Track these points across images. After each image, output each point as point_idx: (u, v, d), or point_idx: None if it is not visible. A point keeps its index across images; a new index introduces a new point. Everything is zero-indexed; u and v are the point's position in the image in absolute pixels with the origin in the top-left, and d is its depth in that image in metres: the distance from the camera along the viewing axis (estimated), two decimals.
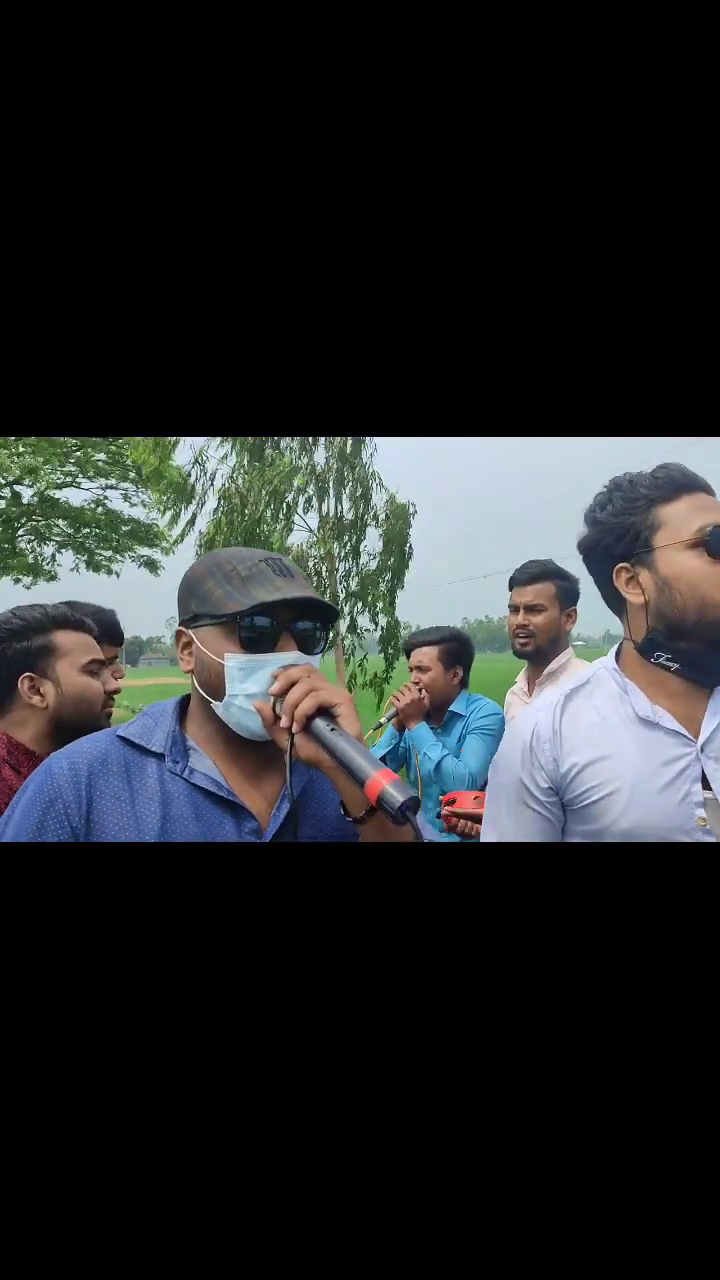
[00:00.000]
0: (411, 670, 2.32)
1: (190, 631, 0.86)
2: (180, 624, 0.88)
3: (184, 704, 0.92)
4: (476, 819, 1.65)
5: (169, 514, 11.55)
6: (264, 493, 10.68)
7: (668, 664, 0.95)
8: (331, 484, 11.22)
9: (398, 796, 0.67)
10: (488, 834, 1.05)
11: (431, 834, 0.84)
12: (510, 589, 2.13)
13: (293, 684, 0.77)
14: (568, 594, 2.06)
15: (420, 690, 2.26)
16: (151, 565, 15.51)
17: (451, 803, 1.70)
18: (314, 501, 11.21)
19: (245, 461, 11.07)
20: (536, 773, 0.98)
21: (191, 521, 11.32)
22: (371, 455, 11.29)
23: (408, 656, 2.38)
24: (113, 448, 13.75)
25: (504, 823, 1.02)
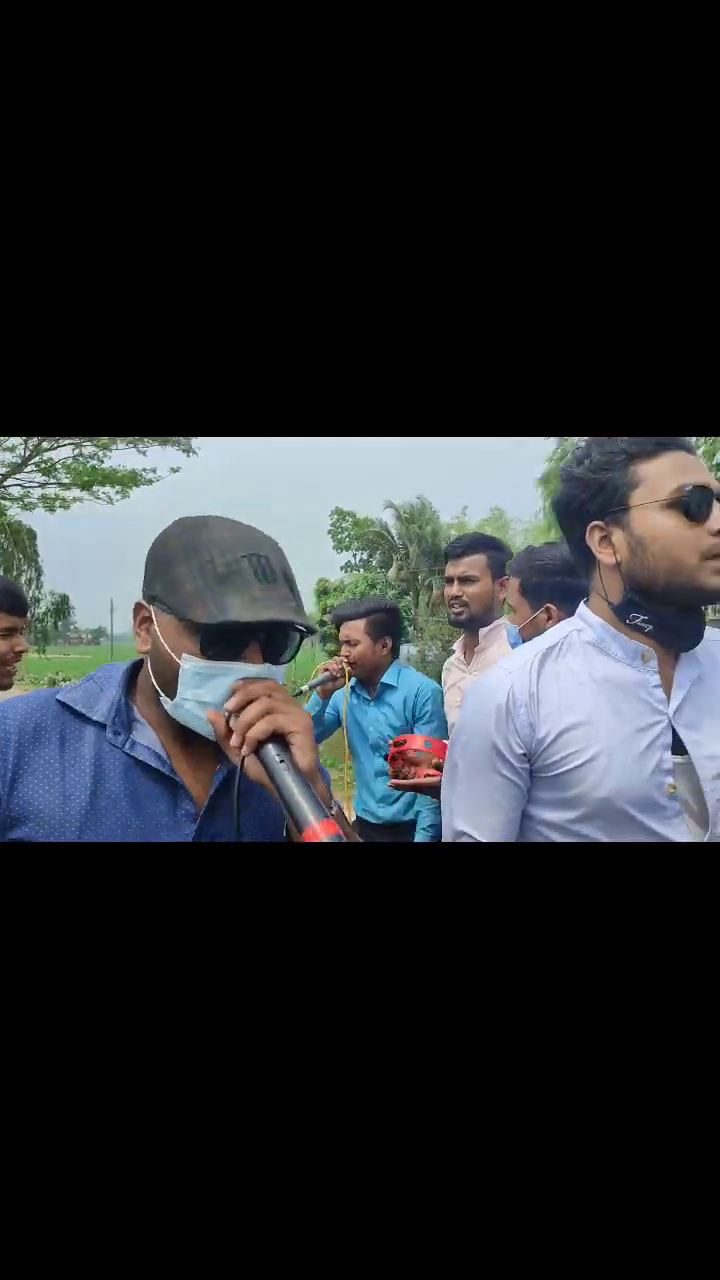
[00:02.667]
0: (342, 644, 2.28)
1: (150, 609, 0.77)
2: (143, 596, 0.78)
3: (133, 671, 0.84)
4: (424, 789, 1.64)
5: None
6: None
7: (642, 625, 0.94)
8: None
9: None
10: (451, 800, 1.02)
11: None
12: (446, 561, 2.11)
13: (250, 702, 0.70)
14: (499, 564, 2.07)
15: (346, 662, 2.22)
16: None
17: (401, 742, 1.68)
18: None
19: None
20: (511, 737, 0.94)
21: None
22: None
23: (337, 629, 2.33)
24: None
25: (472, 789, 0.98)
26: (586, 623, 1.00)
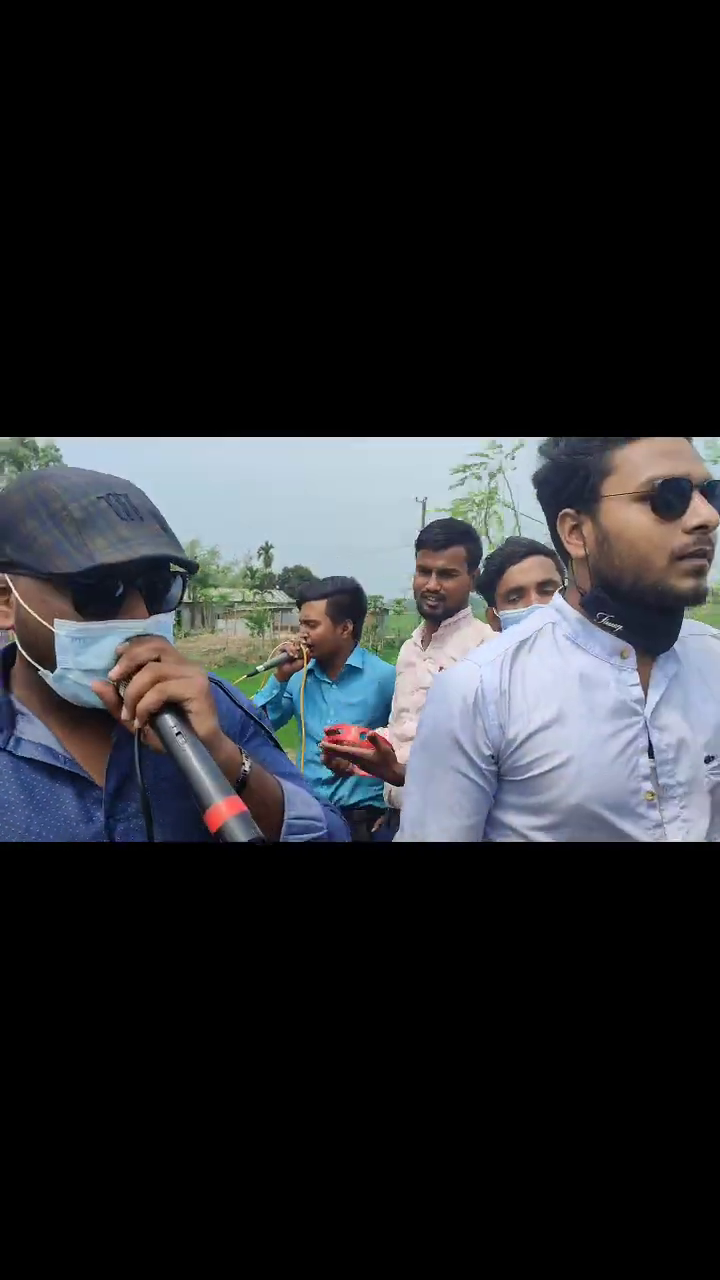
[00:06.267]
0: (301, 624, 2.21)
1: (8, 578, 0.67)
2: None
3: (6, 658, 0.75)
4: (355, 759, 1.59)
5: None
6: None
7: (611, 625, 0.89)
8: None
9: (240, 837, 0.57)
10: (411, 797, 0.96)
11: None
12: (418, 550, 1.95)
13: (137, 668, 0.63)
14: (475, 557, 1.94)
15: (304, 643, 2.15)
16: None
17: (335, 733, 1.63)
18: None
19: None
20: (479, 736, 0.88)
21: None
22: None
23: (299, 608, 2.26)
24: None
25: (431, 789, 0.92)
26: (562, 615, 0.94)
